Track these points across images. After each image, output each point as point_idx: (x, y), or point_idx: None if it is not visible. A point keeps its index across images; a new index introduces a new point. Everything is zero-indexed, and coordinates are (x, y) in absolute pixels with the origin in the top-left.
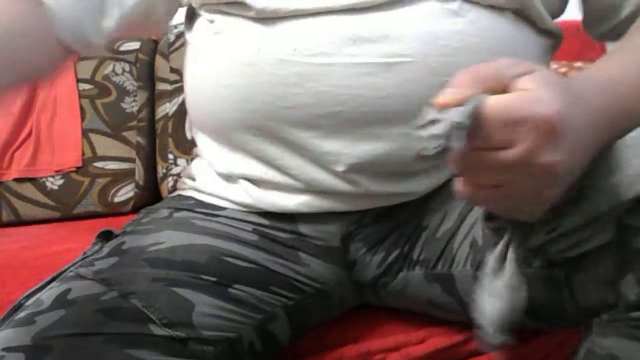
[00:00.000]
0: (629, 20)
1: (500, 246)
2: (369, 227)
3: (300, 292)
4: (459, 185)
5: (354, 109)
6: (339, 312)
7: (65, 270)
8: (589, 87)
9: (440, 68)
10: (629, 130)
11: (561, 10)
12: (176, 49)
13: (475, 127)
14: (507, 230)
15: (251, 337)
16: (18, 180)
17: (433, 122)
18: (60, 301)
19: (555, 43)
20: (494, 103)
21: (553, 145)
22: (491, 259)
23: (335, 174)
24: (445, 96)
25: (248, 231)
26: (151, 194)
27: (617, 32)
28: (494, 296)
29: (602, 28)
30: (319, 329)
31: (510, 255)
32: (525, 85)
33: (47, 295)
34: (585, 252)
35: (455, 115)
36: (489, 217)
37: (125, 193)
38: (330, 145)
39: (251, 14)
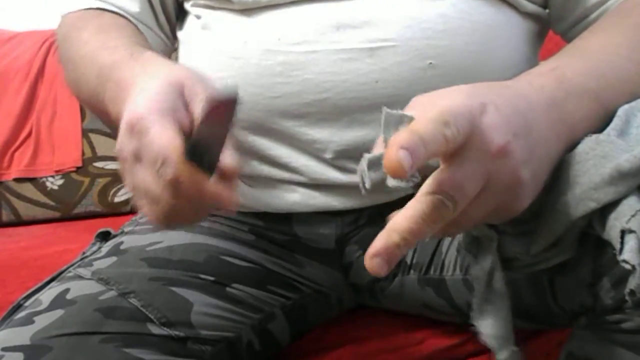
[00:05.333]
0: (591, 15)
1: (487, 262)
2: (364, 229)
3: (298, 291)
4: None
5: (340, 96)
6: (338, 313)
7: (64, 271)
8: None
9: (424, 51)
10: (584, 128)
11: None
12: (175, 49)
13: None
14: (489, 244)
15: (250, 337)
16: (18, 180)
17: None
18: (59, 301)
19: (542, 28)
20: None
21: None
22: (480, 277)
23: (325, 161)
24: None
25: (245, 231)
26: None
27: (579, 30)
28: (492, 305)
29: (566, 23)
30: (319, 330)
31: (497, 265)
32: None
33: (46, 296)
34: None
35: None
36: (468, 244)
37: (125, 193)
38: (319, 133)
39: (235, 7)
